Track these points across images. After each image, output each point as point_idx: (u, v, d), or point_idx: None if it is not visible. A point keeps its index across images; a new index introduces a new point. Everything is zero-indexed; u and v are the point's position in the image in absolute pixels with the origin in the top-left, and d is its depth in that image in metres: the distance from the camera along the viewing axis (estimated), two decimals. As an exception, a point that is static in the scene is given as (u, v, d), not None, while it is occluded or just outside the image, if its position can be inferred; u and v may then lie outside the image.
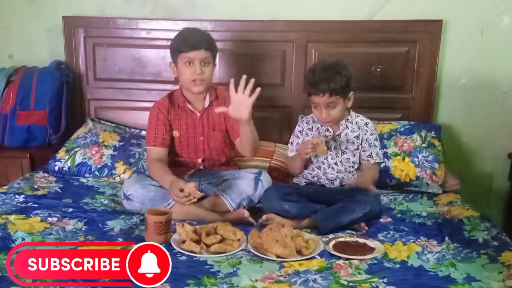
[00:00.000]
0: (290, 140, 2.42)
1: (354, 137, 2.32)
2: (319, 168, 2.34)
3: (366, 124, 2.34)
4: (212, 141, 2.43)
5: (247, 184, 2.23)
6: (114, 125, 2.97)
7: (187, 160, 2.44)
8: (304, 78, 2.85)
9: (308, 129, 2.37)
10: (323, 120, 2.25)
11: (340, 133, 2.32)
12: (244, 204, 2.22)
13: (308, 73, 2.28)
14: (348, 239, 1.98)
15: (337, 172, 2.32)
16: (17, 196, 2.27)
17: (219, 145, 2.45)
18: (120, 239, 1.94)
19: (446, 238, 1.98)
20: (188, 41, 2.29)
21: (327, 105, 2.20)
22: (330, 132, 2.33)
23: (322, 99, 2.19)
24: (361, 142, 2.32)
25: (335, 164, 2.32)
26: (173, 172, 2.26)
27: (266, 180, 2.27)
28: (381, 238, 2.01)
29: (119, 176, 2.62)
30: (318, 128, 2.35)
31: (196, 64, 2.28)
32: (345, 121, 2.33)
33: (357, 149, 2.33)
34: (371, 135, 2.33)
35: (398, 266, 1.78)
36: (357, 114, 2.37)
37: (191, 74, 2.30)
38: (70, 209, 2.19)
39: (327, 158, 2.31)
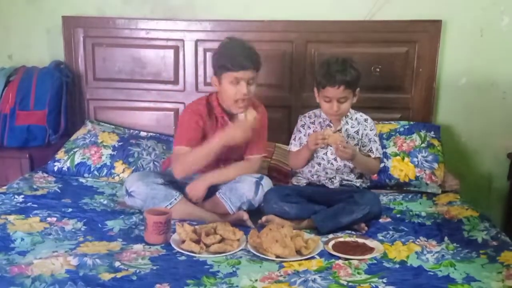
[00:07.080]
0: (293, 136, 2.42)
1: (354, 132, 2.33)
2: (319, 164, 2.34)
3: (366, 120, 2.37)
4: (236, 151, 2.35)
5: (247, 188, 2.21)
6: (113, 126, 2.96)
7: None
8: (304, 78, 2.86)
9: (310, 122, 2.39)
10: (334, 113, 2.25)
11: (341, 128, 2.33)
12: (244, 208, 2.21)
13: (319, 68, 2.29)
14: (348, 239, 1.98)
15: (336, 168, 2.33)
16: (16, 196, 2.27)
17: (240, 154, 2.38)
18: (120, 239, 1.94)
19: (446, 238, 1.98)
20: (237, 60, 2.17)
21: (339, 98, 2.21)
22: (331, 127, 2.34)
23: (337, 91, 2.19)
24: (361, 137, 2.34)
25: (335, 160, 2.32)
26: None
27: (267, 184, 2.25)
28: (381, 238, 2.01)
29: (118, 175, 2.62)
30: (320, 123, 2.36)
31: (243, 84, 2.19)
32: (345, 117, 2.35)
33: (357, 144, 2.34)
34: (370, 130, 2.34)
35: (397, 266, 1.78)
36: (356, 111, 2.39)
37: (237, 93, 2.20)
38: (70, 209, 2.19)
39: (326, 153, 2.32)
